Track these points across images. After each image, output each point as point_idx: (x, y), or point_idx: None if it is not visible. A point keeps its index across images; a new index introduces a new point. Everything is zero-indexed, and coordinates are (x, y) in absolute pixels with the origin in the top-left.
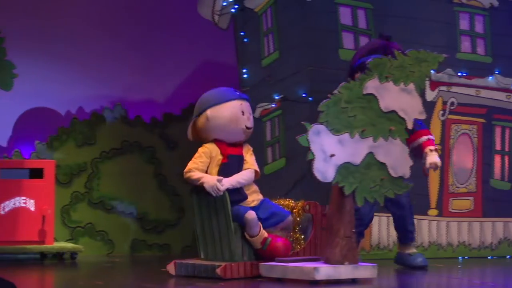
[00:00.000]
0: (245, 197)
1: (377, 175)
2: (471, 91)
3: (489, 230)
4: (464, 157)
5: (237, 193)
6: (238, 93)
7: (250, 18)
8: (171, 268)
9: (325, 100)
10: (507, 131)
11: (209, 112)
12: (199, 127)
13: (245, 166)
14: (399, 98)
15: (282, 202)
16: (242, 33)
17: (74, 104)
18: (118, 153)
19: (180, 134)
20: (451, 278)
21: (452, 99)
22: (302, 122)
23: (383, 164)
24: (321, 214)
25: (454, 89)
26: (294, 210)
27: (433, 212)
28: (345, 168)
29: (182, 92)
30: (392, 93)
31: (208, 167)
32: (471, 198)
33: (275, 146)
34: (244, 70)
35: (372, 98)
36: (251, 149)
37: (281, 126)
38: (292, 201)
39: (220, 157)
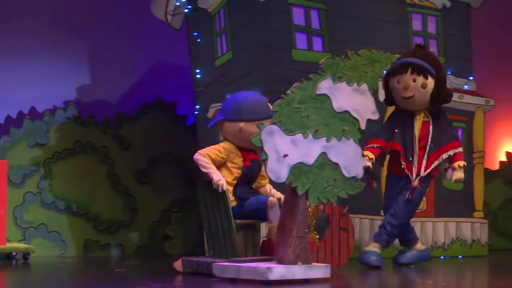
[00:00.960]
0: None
1: (330, 175)
2: None
3: (441, 230)
4: None
5: (250, 193)
6: (272, 110)
7: (203, 18)
8: (178, 265)
9: (278, 101)
10: (460, 132)
11: (242, 125)
12: (227, 128)
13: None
14: (352, 99)
15: None
16: (195, 33)
17: (27, 104)
18: (71, 153)
19: (133, 134)
20: (404, 278)
21: None
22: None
23: (336, 164)
24: (338, 213)
25: None
26: (309, 209)
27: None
28: (298, 168)
29: (135, 92)
30: (345, 93)
31: (222, 164)
32: (423, 198)
33: None
34: (197, 70)
35: (325, 98)
36: None
37: None
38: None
39: (240, 159)
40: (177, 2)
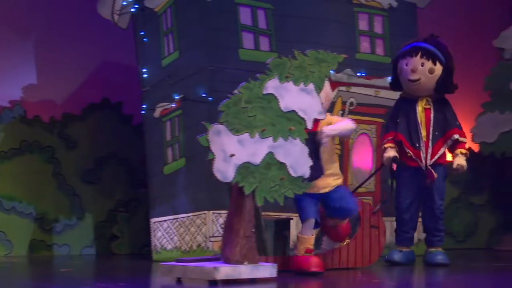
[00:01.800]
0: (320, 174)
1: (276, 175)
2: (370, 91)
3: (388, 230)
4: (363, 157)
5: (314, 168)
6: None
7: (150, 17)
8: None
9: (225, 100)
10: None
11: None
12: None
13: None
14: (298, 98)
15: None
16: (142, 33)
17: None
18: (17, 153)
19: (79, 134)
20: (351, 278)
21: (352, 99)
22: (202, 122)
23: (282, 164)
24: (369, 212)
25: (354, 89)
26: None
27: None
28: (245, 168)
29: (82, 92)
30: (292, 93)
31: None
32: (370, 198)
33: (175, 146)
34: (144, 70)
35: (272, 98)
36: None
37: (181, 126)
38: None
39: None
40: (123, 1)
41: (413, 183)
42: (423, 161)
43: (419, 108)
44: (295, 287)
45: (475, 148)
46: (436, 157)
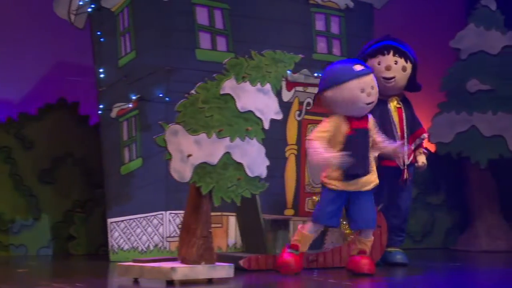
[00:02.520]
0: (366, 172)
1: (233, 175)
2: None
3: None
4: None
5: (360, 167)
6: (357, 70)
7: (106, 17)
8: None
9: (182, 100)
10: None
11: (328, 93)
12: (323, 102)
13: (374, 138)
14: (255, 99)
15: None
16: (98, 33)
17: None
18: None
19: (36, 134)
20: (306, 278)
21: (309, 100)
22: (159, 122)
23: (240, 164)
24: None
25: (311, 89)
26: None
27: (289, 211)
28: (202, 168)
29: (38, 92)
30: (248, 93)
31: (332, 139)
32: None
33: (132, 146)
34: (101, 70)
35: (229, 98)
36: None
37: (138, 126)
38: None
39: (346, 129)
40: (80, 1)
41: (386, 183)
42: (401, 160)
43: (392, 108)
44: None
45: (432, 148)
46: (412, 156)
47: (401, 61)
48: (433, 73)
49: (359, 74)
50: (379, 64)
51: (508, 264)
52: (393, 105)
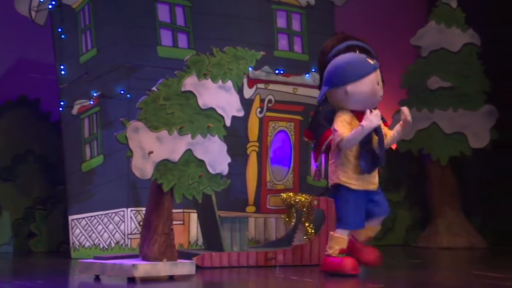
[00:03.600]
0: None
1: (195, 172)
2: (289, 89)
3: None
4: (282, 155)
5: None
6: (373, 63)
7: (67, 14)
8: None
9: (143, 97)
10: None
11: (349, 88)
12: (335, 97)
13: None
14: (217, 96)
15: (284, 195)
16: (59, 30)
17: None
18: None
19: None
20: (268, 275)
21: (270, 97)
22: (121, 119)
23: (201, 161)
24: (334, 208)
25: (272, 86)
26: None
27: (251, 208)
28: (163, 165)
29: None
30: (210, 90)
31: None
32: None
33: (93, 143)
34: (62, 67)
35: (190, 95)
36: None
37: (99, 123)
38: (301, 195)
39: (357, 124)
40: None
41: None
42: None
43: None
44: (212, 285)
45: (393, 145)
46: None
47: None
48: (394, 71)
49: (376, 67)
50: None
51: (467, 261)
52: None
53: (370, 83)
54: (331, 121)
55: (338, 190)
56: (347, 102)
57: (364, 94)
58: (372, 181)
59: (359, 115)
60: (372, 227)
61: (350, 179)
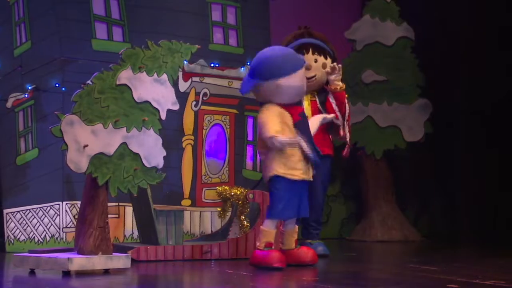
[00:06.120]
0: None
1: (130, 165)
2: (224, 82)
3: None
4: (217, 148)
5: (315, 150)
6: (302, 57)
7: (1, 7)
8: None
9: (78, 91)
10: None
11: (281, 82)
12: (264, 91)
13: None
14: (152, 89)
15: (219, 189)
16: None
17: None
18: None
19: None
20: (203, 268)
21: (205, 90)
22: (55, 113)
23: (136, 154)
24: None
25: (207, 80)
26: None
27: (186, 202)
28: (98, 159)
29: None
30: (145, 83)
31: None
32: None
33: (27, 136)
34: None
35: (125, 88)
36: None
37: (34, 117)
38: (237, 188)
39: (289, 117)
40: None
41: None
42: (342, 133)
43: (305, 103)
44: (147, 278)
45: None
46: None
47: (321, 59)
48: None
49: (304, 60)
50: None
51: (401, 254)
52: (306, 98)
53: (300, 78)
54: None
55: (274, 183)
56: (276, 96)
57: (295, 88)
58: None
59: (287, 107)
60: (295, 230)
61: (290, 169)
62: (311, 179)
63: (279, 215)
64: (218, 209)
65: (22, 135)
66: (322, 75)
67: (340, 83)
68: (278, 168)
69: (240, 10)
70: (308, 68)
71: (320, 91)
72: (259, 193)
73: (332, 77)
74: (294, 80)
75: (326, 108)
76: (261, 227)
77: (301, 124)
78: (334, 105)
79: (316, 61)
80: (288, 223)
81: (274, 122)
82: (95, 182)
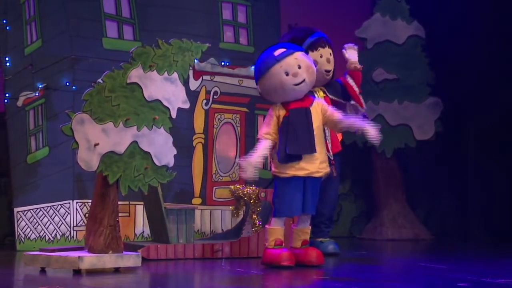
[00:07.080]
0: (307, 151)
1: (140, 164)
2: (234, 81)
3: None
4: (227, 146)
5: (299, 146)
6: (276, 54)
7: (12, 5)
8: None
9: (88, 89)
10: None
11: (261, 83)
12: (261, 93)
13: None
14: (163, 87)
15: (233, 187)
16: (4, 21)
17: None
18: None
19: None
20: (214, 267)
21: (216, 89)
22: (66, 111)
23: (147, 153)
24: None
25: (217, 78)
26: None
27: (197, 200)
28: (109, 157)
29: None
30: (156, 82)
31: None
32: (238, 186)
33: (38, 135)
34: (7, 59)
35: (135, 87)
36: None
37: (45, 115)
38: (249, 187)
39: (284, 113)
40: None
41: None
42: (330, 151)
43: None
44: (158, 277)
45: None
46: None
47: (332, 53)
48: (339, 63)
49: (278, 59)
50: (321, 57)
51: (412, 253)
52: (318, 96)
53: (274, 76)
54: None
55: (274, 181)
56: (269, 96)
57: (272, 86)
58: (302, 167)
59: (287, 103)
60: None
61: (280, 168)
62: (315, 176)
63: (281, 213)
64: (231, 208)
65: (32, 133)
66: (332, 69)
67: (357, 62)
68: (273, 167)
69: (250, 9)
70: (328, 62)
71: (327, 84)
72: (270, 192)
73: (351, 57)
74: (267, 80)
75: (348, 91)
76: (266, 226)
77: (286, 120)
78: (355, 87)
79: (331, 54)
80: (300, 221)
81: (267, 123)
82: (106, 181)
